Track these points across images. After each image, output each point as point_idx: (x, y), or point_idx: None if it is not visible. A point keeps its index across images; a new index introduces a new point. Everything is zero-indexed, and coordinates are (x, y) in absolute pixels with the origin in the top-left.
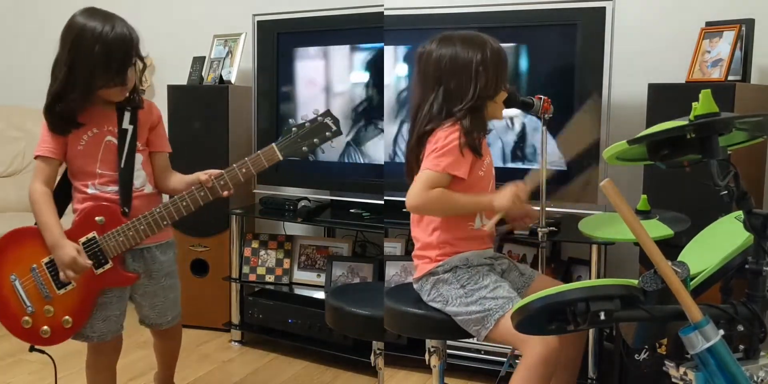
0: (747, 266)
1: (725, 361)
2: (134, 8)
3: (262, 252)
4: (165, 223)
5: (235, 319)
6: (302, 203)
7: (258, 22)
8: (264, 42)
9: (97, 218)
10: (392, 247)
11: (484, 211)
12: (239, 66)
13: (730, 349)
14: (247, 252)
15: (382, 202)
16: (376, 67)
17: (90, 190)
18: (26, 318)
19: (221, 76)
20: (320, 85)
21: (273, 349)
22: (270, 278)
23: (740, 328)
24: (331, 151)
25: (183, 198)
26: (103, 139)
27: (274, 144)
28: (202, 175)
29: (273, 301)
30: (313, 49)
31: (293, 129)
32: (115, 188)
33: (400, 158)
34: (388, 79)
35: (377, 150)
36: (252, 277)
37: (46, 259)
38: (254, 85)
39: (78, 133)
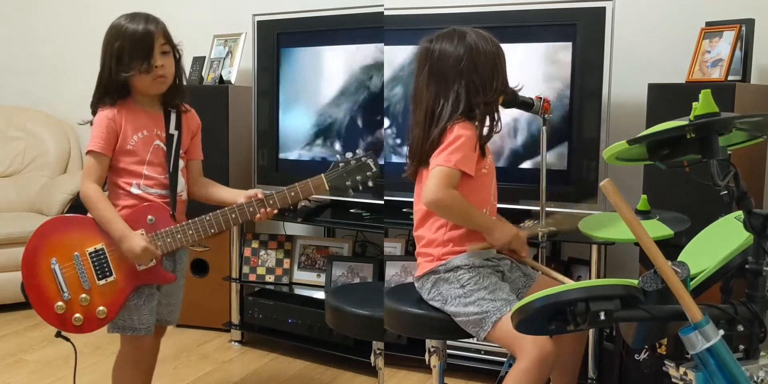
0: (747, 266)
1: (725, 361)
2: (133, 8)
3: (262, 252)
4: (213, 230)
5: (235, 319)
6: (302, 203)
7: (258, 22)
8: (264, 42)
9: (149, 217)
10: (392, 247)
11: (483, 232)
12: (239, 66)
13: (730, 349)
14: (247, 252)
15: (382, 202)
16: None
17: (134, 190)
18: (60, 303)
19: (221, 76)
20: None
21: (273, 349)
22: (270, 278)
23: (740, 328)
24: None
25: (233, 210)
26: (152, 142)
27: (323, 174)
28: (260, 193)
29: (273, 301)
30: (312, 49)
31: (340, 164)
32: (160, 191)
33: (401, 158)
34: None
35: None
36: (252, 277)
37: (91, 249)
38: (254, 85)
39: (128, 132)
